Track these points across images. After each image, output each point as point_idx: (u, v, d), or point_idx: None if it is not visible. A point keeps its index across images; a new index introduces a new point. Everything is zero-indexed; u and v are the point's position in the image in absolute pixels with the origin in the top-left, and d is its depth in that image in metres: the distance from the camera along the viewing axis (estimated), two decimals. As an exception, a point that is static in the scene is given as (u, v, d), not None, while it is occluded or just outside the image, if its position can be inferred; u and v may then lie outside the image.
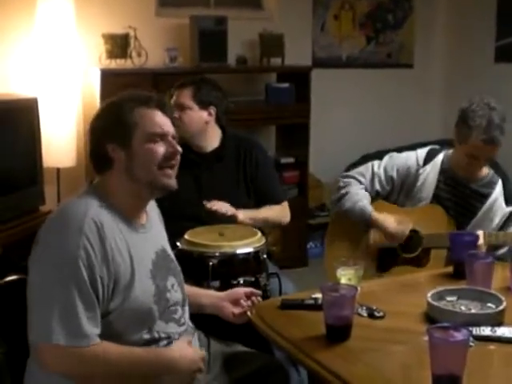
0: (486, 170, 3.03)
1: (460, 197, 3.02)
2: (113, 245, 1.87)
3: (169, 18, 4.97)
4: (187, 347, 1.96)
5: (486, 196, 2.99)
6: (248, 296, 2.25)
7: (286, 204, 3.24)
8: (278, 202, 3.19)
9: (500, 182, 3.00)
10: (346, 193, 3.11)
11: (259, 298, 2.26)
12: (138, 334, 1.91)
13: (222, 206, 2.94)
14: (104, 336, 1.83)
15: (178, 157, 2.03)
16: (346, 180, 3.16)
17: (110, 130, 1.97)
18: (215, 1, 5.28)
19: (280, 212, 3.20)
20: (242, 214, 2.99)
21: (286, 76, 5.26)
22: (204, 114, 3.11)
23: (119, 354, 1.84)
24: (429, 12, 6.05)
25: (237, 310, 2.23)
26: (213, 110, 3.13)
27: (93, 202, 1.90)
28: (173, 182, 2.02)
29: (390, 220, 3.01)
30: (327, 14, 5.66)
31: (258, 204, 3.13)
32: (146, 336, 1.93)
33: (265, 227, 3.10)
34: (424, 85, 6.10)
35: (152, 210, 2.16)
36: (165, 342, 1.97)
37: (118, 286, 1.86)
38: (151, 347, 1.93)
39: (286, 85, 5.17)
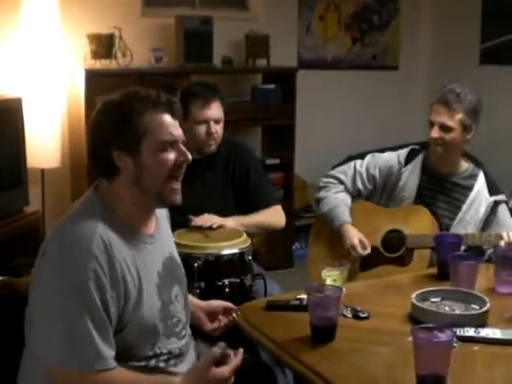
0: (466, 164, 3.06)
1: (443, 193, 3.05)
2: (122, 263, 1.80)
3: (154, 18, 4.95)
4: (207, 373, 1.77)
5: (469, 188, 3.02)
6: (226, 311, 2.21)
7: (278, 207, 3.19)
8: (269, 205, 3.15)
9: (482, 174, 3.04)
10: (324, 196, 3.14)
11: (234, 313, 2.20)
12: (142, 351, 1.86)
13: (206, 221, 2.89)
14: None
15: (185, 165, 1.94)
16: (326, 180, 3.19)
17: (117, 136, 1.83)
18: (201, 1, 5.27)
19: (273, 216, 3.15)
20: (232, 222, 2.95)
21: (272, 77, 5.27)
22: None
23: (125, 380, 1.78)
24: (414, 13, 6.08)
25: (212, 325, 2.20)
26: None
27: (99, 219, 1.81)
28: (178, 198, 1.93)
29: (355, 238, 3.01)
30: (313, 15, 5.66)
31: (250, 210, 3.10)
32: (149, 353, 1.88)
33: (255, 233, 3.08)
34: (409, 86, 6.13)
35: (162, 215, 2.09)
36: (165, 357, 1.92)
37: (127, 305, 1.80)
38: (151, 361, 1.88)
39: (271, 86, 5.17)
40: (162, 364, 1.91)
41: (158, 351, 1.90)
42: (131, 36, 4.67)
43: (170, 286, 1.98)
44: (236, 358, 1.82)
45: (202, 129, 2.98)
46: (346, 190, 3.15)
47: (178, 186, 1.92)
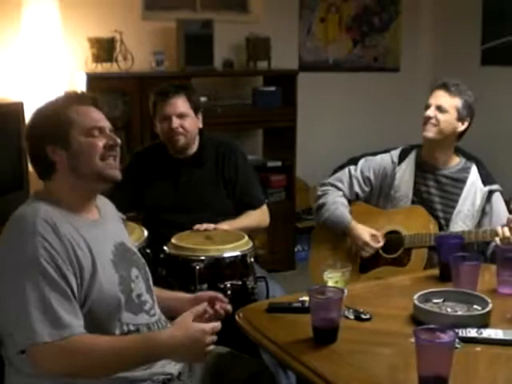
0: (458, 158, 3.08)
1: (438, 188, 3.06)
2: (70, 239, 1.87)
3: (155, 21, 4.96)
4: (185, 323, 1.87)
5: (462, 181, 3.03)
6: (212, 301, 2.16)
7: (265, 208, 3.24)
8: (256, 206, 3.19)
9: (474, 166, 3.06)
10: (324, 203, 3.16)
11: (225, 306, 2.16)
12: (109, 326, 1.90)
13: (206, 227, 2.91)
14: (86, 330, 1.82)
15: (118, 149, 2.03)
16: (323, 188, 3.22)
17: (47, 133, 1.97)
18: (201, 4, 5.28)
19: (259, 217, 3.20)
20: (226, 226, 2.97)
21: (273, 79, 5.27)
22: (197, 120, 3.11)
23: (105, 342, 1.82)
24: (415, 15, 6.08)
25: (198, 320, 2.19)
26: (200, 115, 3.13)
27: (41, 204, 1.92)
28: (117, 173, 2.02)
29: (365, 232, 3.04)
30: (314, 17, 5.67)
31: (236, 208, 3.13)
32: (117, 331, 1.91)
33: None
34: (410, 88, 6.12)
35: (107, 208, 2.16)
36: (133, 334, 1.94)
37: (83, 278, 1.86)
38: None
39: (272, 88, 5.17)
40: None
41: (126, 328, 1.93)
42: (132, 40, 4.68)
43: (128, 267, 2.03)
44: (217, 323, 1.89)
45: (165, 125, 3.05)
46: (344, 195, 3.17)
47: (114, 162, 2.01)
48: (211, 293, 2.24)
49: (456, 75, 5.57)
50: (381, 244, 3.05)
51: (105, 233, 2.03)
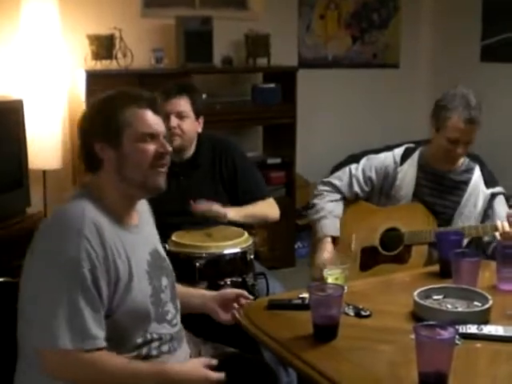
0: (461, 159, 3.06)
1: (441, 189, 3.05)
2: (112, 246, 1.85)
3: (154, 18, 4.95)
4: (197, 368, 1.89)
5: (465, 183, 3.03)
6: (238, 298, 2.22)
7: (271, 200, 3.20)
8: (262, 198, 3.15)
9: (477, 167, 3.05)
10: (315, 204, 3.19)
11: (251, 302, 2.23)
12: (133, 338, 1.89)
13: (210, 207, 2.91)
14: (106, 338, 1.80)
15: (168, 157, 2.00)
16: (321, 188, 3.22)
17: (99, 129, 1.93)
18: (200, 1, 5.27)
19: (267, 208, 3.16)
20: (232, 212, 2.96)
21: (272, 76, 5.27)
22: (197, 124, 3.08)
23: (119, 364, 1.81)
24: (414, 11, 6.07)
25: (225, 314, 2.21)
26: (201, 120, 3.11)
27: (88, 204, 1.87)
28: (163, 183, 2.00)
29: (322, 256, 3.02)
30: (313, 13, 5.66)
31: (242, 204, 3.11)
32: (139, 340, 1.91)
33: (254, 225, 3.09)
34: (410, 85, 6.12)
35: (143, 209, 2.14)
36: (157, 343, 1.95)
37: (118, 288, 1.84)
38: (143, 349, 1.91)
39: (272, 85, 5.17)
40: (154, 352, 1.94)
41: (149, 337, 1.93)
42: (131, 37, 4.67)
43: (159, 276, 2.02)
44: (221, 376, 1.89)
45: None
46: (341, 197, 3.17)
47: (162, 170, 1.99)
48: (236, 290, 2.27)
49: (455, 71, 5.63)
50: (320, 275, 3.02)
51: (142, 240, 2.01)
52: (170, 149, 2.00)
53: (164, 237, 2.77)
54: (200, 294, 2.30)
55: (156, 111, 1.99)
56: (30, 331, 1.81)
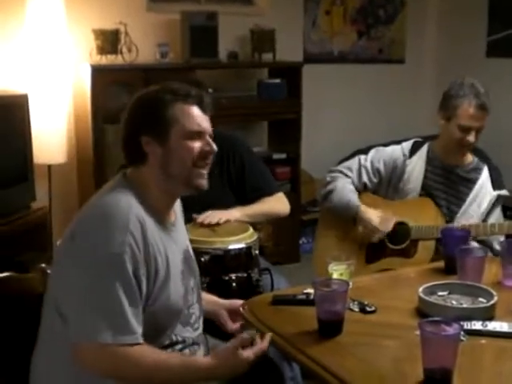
0: (470, 157, 3.06)
1: (448, 185, 3.05)
2: (153, 243, 1.84)
3: (159, 13, 4.95)
4: (235, 355, 1.82)
5: (473, 181, 3.02)
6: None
7: (281, 195, 3.17)
8: (271, 193, 3.13)
9: (486, 168, 3.04)
10: (333, 189, 3.13)
11: None
12: (165, 334, 1.90)
13: (213, 218, 2.87)
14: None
15: (211, 157, 2.00)
16: (332, 175, 3.18)
17: (146, 123, 1.92)
18: (206, -4, 5.27)
19: (276, 203, 3.13)
20: (237, 213, 2.94)
21: (278, 71, 5.26)
22: None
23: (155, 358, 1.78)
24: (420, 7, 6.06)
25: (234, 325, 2.20)
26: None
27: (133, 199, 1.86)
28: (205, 182, 1.99)
29: (375, 217, 3.02)
30: (318, 9, 5.65)
31: (251, 202, 3.10)
32: (166, 341, 1.91)
33: (261, 222, 3.08)
34: (415, 80, 6.11)
35: (178, 208, 2.14)
36: (180, 345, 1.95)
37: (156, 283, 1.84)
38: (167, 350, 1.91)
39: (277, 80, 5.16)
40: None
41: (175, 338, 1.94)
42: (137, 31, 4.67)
43: (189, 277, 2.03)
44: (264, 342, 1.87)
45: None
46: (353, 182, 3.15)
47: (204, 171, 1.99)
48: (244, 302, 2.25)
49: (461, 67, 5.61)
50: (390, 228, 3.02)
51: (178, 239, 2.02)
52: (216, 148, 2.00)
53: None
54: (212, 301, 2.29)
55: (203, 109, 1.98)
56: (64, 324, 1.79)
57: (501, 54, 5.49)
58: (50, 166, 4.42)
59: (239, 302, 2.26)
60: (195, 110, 1.95)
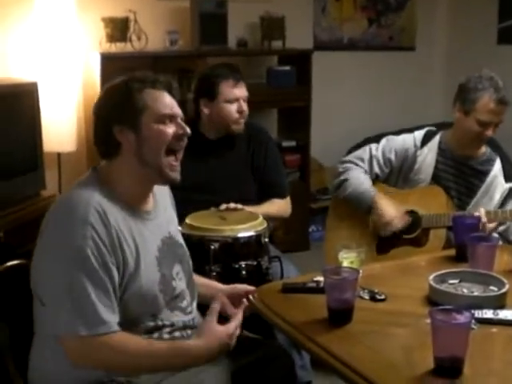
0: (483, 148, 3.03)
1: (460, 176, 3.03)
2: (118, 231, 1.86)
3: (169, 0, 4.93)
4: (213, 332, 1.88)
5: (485, 173, 3.00)
6: (247, 294, 2.21)
7: (288, 200, 3.23)
8: (281, 196, 3.18)
9: (498, 160, 3.02)
10: (346, 179, 3.12)
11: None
12: (142, 322, 1.91)
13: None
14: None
15: (186, 139, 2.01)
16: (344, 165, 3.17)
17: (117, 112, 1.93)
18: (215, -17, 5.23)
19: (282, 206, 3.19)
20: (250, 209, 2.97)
21: (287, 59, 5.24)
22: None
23: (137, 344, 1.82)
24: (430, -6, 6.02)
25: (232, 308, 2.18)
26: None
27: (94, 191, 1.88)
28: (176, 175, 2.01)
29: (390, 208, 3.00)
30: (328, -4, 5.62)
31: (261, 194, 3.11)
32: (150, 323, 1.92)
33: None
34: (426, 67, 6.08)
35: (163, 194, 2.14)
36: (168, 329, 1.96)
37: (125, 273, 1.86)
38: (154, 334, 1.92)
39: (287, 68, 5.14)
40: (166, 335, 1.95)
41: (161, 323, 1.95)
42: (146, 19, 4.66)
43: (171, 263, 2.03)
44: (238, 311, 1.96)
45: (233, 107, 3.07)
46: (365, 172, 3.13)
47: (176, 162, 2.00)
48: (247, 287, 2.25)
49: (472, 54, 5.58)
50: (403, 224, 3.02)
51: (154, 226, 2.02)
52: (189, 130, 2.01)
53: (186, 213, 2.79)
54: (210, 285, 2.31)
55: (172, 94, 2.00)
56: (45, 317, 1.84)
57: (512, 41, 5.45)
58: (59, 154, 4.43)
59: (241, 286, 2.27)
60: (165, 95, 1.98)
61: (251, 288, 2.24)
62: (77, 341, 1.78)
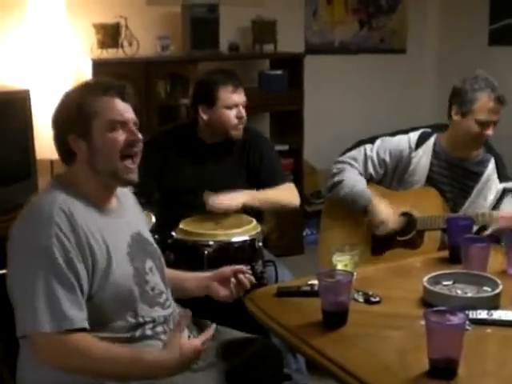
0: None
1: (454, 178, 3.04)
2: (85, 230, 1.87)
3: (159, 6, 4.92)
4: (176, 345, 1.84)
5: (479, 174, 3.01)
6: (235, 274, 2.22)
7: (292, 185, 3.21)
8: (283, 181, 3.16)
9: (492, 160, 3.03)
10: (341, 180, 3.10)
11: (249, 276, 2.22)
12: (123, 318, 1.91)
13: (223, 202, 2.89)
14: (92, 321, 1.83)
15: (140, 144, 2.01)
16: (339, 166, 3.16)
17: (70, 121, 1.96)
18: (206, -12, 5.24)
19: (287, 193, 3.14)
20: (248, 196, 2.95)
21: (279, 63, 5.24)
22: None
23: (100, 347, 1.82)
24: (421, -4, 6.04)
25: (224, 290, 2.21)
26: None
27: (59, 193, 1.91)
28: (134, 177, 2.01)
29: (385, 209, 3.00)
30: (319, -1, 5.63)
31: (264, 186, 3.09)
32: (132, 320, 1.93)
33: (270, 211, 3.09)
34: (417, 69, 6.09)
35: (126, 197, 2.15)
36: (150, 325, 1.96)
37: (96, 270, 1.86)
38: (137, 331, 1.93)
39: (279, 71, 5.14)
40: (149, 332, 1.96)
41: (142, 320, 1.95)
42: (137, 25, 4.65)
43: (143, 259, 2.03)
44: (209, 330, 1.92)
45: (232, 113, 3.07)
46: (359, 173, 3.13)
47: (133, 165, 1.99)
48: (235, 267, 2.25)
49: (463, 56, 5.59)
50: (398, 225, 3.02)
51: (122, 223, 2.03)
52: (141, 136, 2.01)
53: (178, 216, 2.78)
54: (193, 278, 2.30)
55: (124, 99, 2.00)
56: (15, 319, 1.85)
57: (503, 42, 5.46)
58: (52, 162, 4.41)
59: (227, 268, 2.25)
60: (116, 102, 1.97)
61: (238, 267, 2.24)
62: (42, 338, 1.78)
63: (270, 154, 3.20)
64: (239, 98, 3.09)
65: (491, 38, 5.57)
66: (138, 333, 1.93)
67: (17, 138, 3.88)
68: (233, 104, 3.06)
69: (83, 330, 1.81)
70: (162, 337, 1.97)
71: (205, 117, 3.06)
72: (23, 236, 1.86)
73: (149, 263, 2.05)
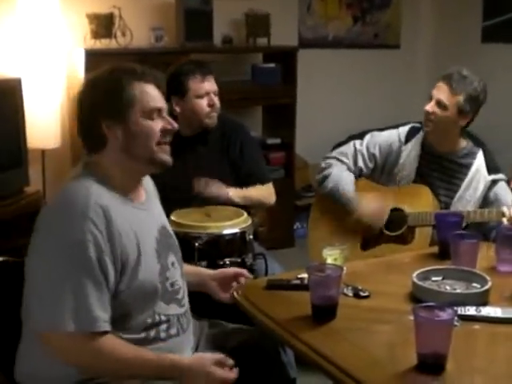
0: (464, 142, 3.05)
1: (443, 172, 3.05)
2: (119, 227, 1.83)
3: (154, -3, 4.92)
4: (209, 367, 1.83)
5: (467, 166, 3.02)
6: (237, 277, 2.23)
7: (271, 186, 3.24)
8: (262, 182, 3.19)
9: (481, 152, 3.04)
10: (329, 174, 3.13)
11: (249, 278, 2.25)
12: (141, 316, 1.88)
13: (212, 189, 2.95)
14: (113, 318, 1.80)
15: (172, 134, 1.99)
16: (328, 161, 3.18)
17: (105, 106, 1.88)
18: (201, -20, 5.22)
19: (264, 192, 3.20)
20: (232, 192, 3.02)
21: (273, 56, 5.24)
22: None
23: (129, 352, 1.79)
24: (415, -8, 6.04)
25: (224, 292, 2.21)
26: None
27: (92, 185, 1.85)
28: (169, 158, 1.98)
29: (368, 211, 3.02)
30: (313, -7, 5.62)
31: (243, 186, 3.12)
32: (148, 319, 1.90)
33: (252, 207, 3.10)
34: (410, 65, 6.10)
35: (149, 187, 2.12)
36: (164, 326, 1.94)
37: (125, 268, 1.83)
38: (151, 332, 1.90)
39: (272, 65, 5.14)
40: (163, 334, 1.93)
41: (158, 318, 1.92)
42: (131, 15, 4.64)
43: (167, 253, 2.01)
44: (232, 372, 1.86)
45: (204, 102, 3.06)
46: (349, 169, 3.14)
47: (167, 148, 1.97)
48: (235, 269, 2.27)
49: (456, 53, 5.60)
50: (382, 223, 3.03)
51: (151, 218, 2.00)
52: (176, 125, 1.99)
53: (167, 212, 2.78)
54: (197, 272, 2.30)
55: (159, 86, 1.96)
56: (34, 313, 1.79)
57: (496, 40, 5.47)
58: (43, 151, 4.41)
59: (229, 270, 2.28)
60: (152, 88, 1.94)
61: (240, 270, 2.26)
62: (66, 338, 1.74)
63: (250, 150, 3.20)
64: (209, 86, 3.08)
65: (484, 35, 5.58)
66: (152, 333, 1.90)
67: (8, 127, 3.87)
68: (203, 93, 3.06)
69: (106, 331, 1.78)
70: (174, 340, 1.94)
71: (178, 109, 3.07)
72: (55, 228, 1.79)
73: (171, 258, 2.02)
